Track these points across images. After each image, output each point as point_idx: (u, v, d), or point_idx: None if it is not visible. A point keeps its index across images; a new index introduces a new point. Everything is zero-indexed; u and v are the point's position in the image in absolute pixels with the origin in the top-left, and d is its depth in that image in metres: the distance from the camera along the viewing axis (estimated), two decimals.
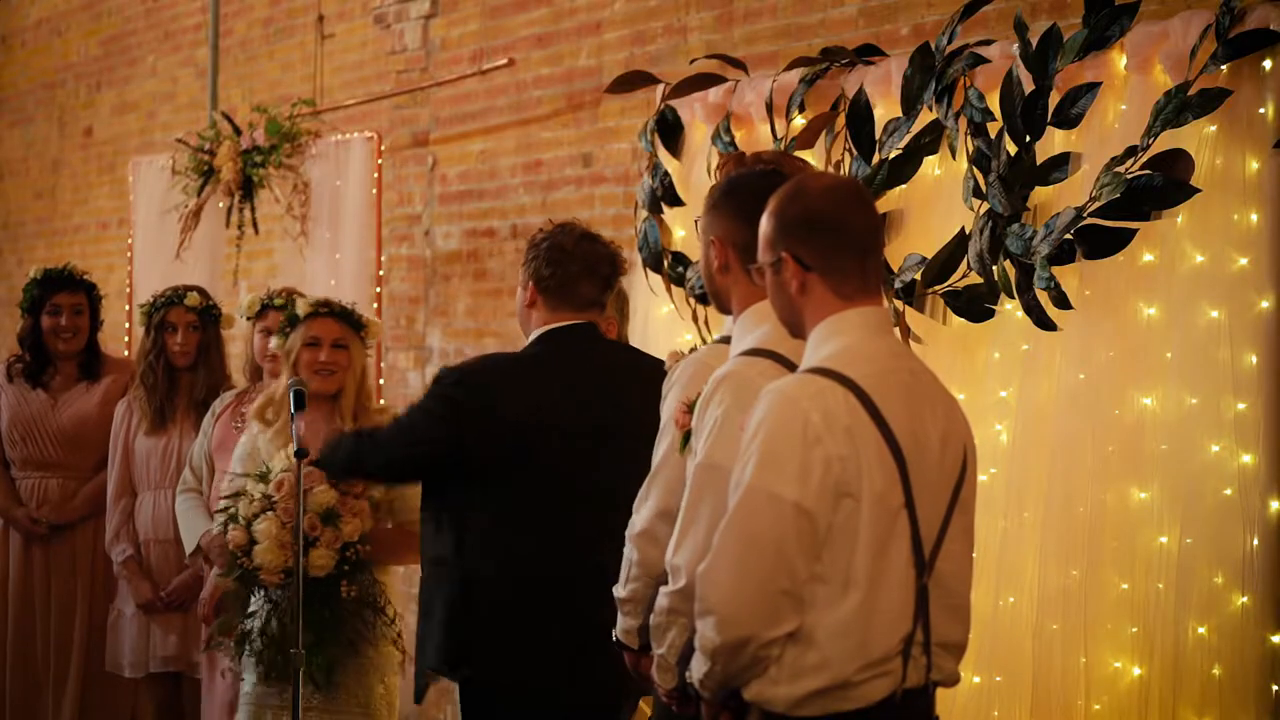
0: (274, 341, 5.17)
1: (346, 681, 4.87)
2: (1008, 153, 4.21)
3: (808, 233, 3.15)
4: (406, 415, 4.39)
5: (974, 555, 3.29)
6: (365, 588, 4.87)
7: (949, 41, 4.45)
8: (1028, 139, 4.18)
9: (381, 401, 5.72)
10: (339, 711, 4.90)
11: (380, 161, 7.05)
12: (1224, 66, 3.83)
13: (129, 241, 8.26)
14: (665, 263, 5.34)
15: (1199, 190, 3.85)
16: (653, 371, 4.05)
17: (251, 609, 4.91)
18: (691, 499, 3.29)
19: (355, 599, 4.84)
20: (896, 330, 4.45)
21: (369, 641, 4.89)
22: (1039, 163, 4.17)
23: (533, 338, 4.36)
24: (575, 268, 4.29)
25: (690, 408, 3.44)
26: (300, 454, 4.56)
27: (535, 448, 4.23)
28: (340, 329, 5.06)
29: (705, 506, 3.25)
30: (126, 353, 7.73)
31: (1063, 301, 4.06)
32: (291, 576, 4.69)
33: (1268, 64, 3.81)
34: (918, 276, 4.47)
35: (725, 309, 3.58)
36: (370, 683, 4.94)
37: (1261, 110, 3.82)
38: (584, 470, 4.22)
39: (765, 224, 3.21)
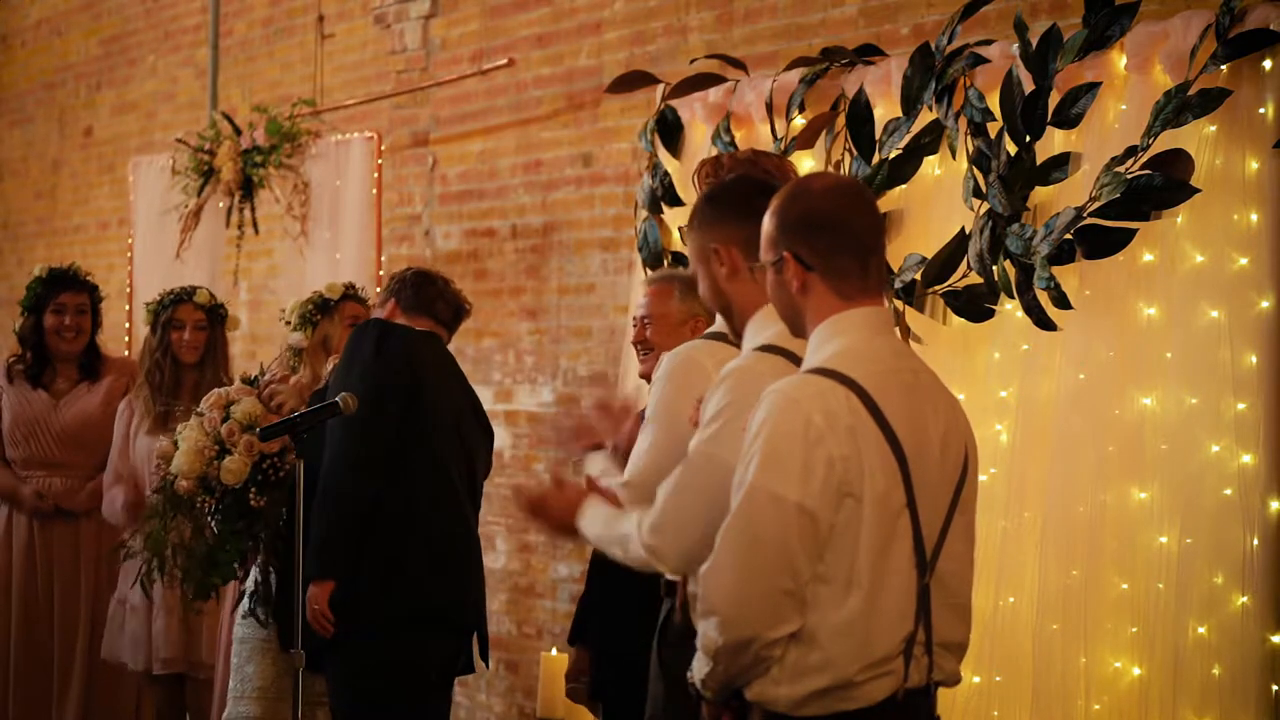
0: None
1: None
2: (1008, 153, 4.21)
3: (809, 232, 3.14)
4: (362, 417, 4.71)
5: (974, 555, 3.28)
6: (274, 504, 4.88)
7: (949, 41, 4.45)
8: (1028, 139, 4.18)
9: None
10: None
11: (380, 161, 7.04)
12: (1224, 66, 3.84)
13: (129, 241, 8.25)
14: (665, 263, 5.34)
15: (1199, 190, 3.85)
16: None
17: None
18: (681, 478, 3.21)
19: (261, 511, 4.88)
20: (896, 330, 4.45)
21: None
22: (1039, 163, 4.17)
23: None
24: (436, 290, 4.98)
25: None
26: (263, 433, 4.67)
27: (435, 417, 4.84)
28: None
29: (691, 490, 3.19)
30: (126, 353, 7.72)
31: (1063, 301, 4.06)
32: (209, 488, 4.84)
33: (1268, 64, 3.81)
34: (918, 276, 4.47)
35: (738, 327, 3.42)
36: None
37: (1261, 110, 3.83)
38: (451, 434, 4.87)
39: (767, 223, 3.20)
